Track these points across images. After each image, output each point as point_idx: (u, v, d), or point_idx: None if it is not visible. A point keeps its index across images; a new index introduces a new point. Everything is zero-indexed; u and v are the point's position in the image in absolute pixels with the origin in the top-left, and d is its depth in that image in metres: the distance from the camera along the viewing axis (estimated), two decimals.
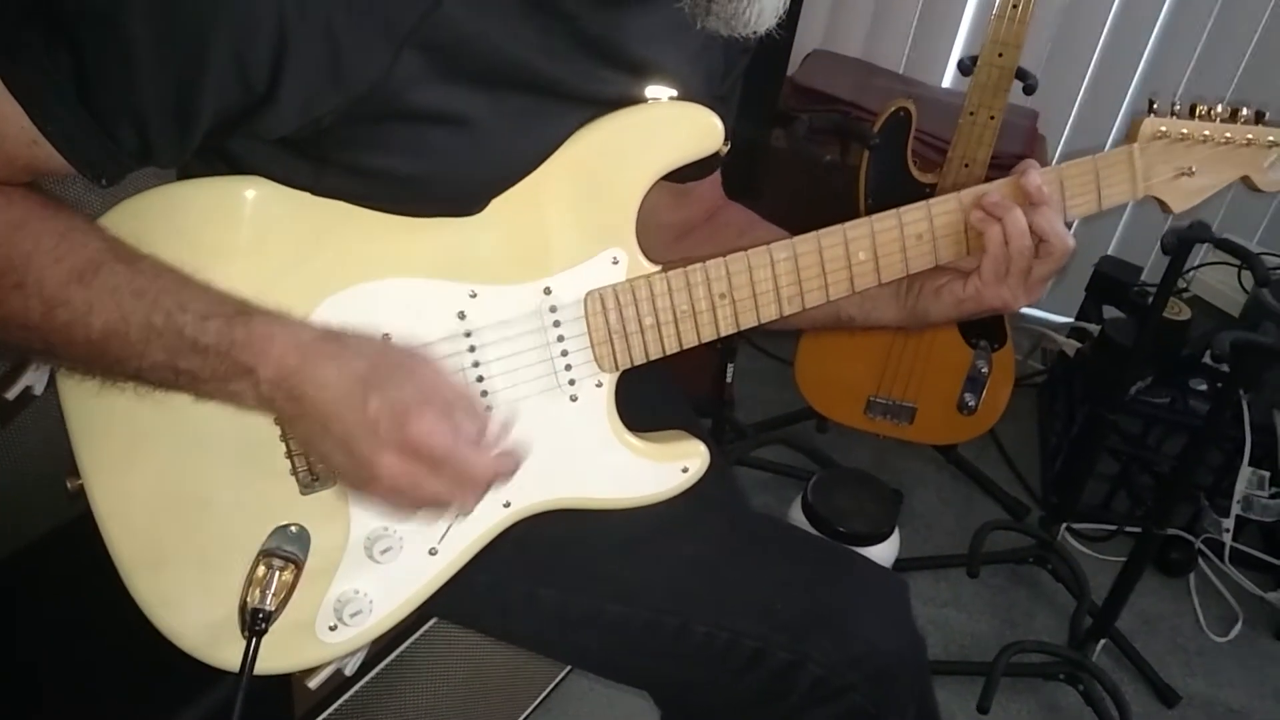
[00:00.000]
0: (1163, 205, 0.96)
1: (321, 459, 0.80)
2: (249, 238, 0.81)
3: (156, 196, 0.80)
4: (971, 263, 0.94)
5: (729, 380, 2.04)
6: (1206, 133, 0.93)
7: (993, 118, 1.74)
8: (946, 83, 2.62)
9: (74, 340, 0.73)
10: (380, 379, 0.75)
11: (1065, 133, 2.59)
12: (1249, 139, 0.93)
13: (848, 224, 0.91)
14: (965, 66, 1.79)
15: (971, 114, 1.75)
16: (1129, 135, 0.94)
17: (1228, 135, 0.93)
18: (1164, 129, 0.93)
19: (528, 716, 1.57)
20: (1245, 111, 0.94)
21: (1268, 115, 0.94)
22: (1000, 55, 1.69)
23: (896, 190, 1.82)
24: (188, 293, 0.75)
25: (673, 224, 1.09)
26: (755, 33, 0.82)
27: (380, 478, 0.74)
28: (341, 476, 0.81)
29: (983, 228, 0.91)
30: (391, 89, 0.74)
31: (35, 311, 0.71)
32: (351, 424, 0.74)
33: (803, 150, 2.15)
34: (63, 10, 0.68)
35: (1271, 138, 0.94)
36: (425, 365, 0.78)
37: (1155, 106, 0.93)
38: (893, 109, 1.80)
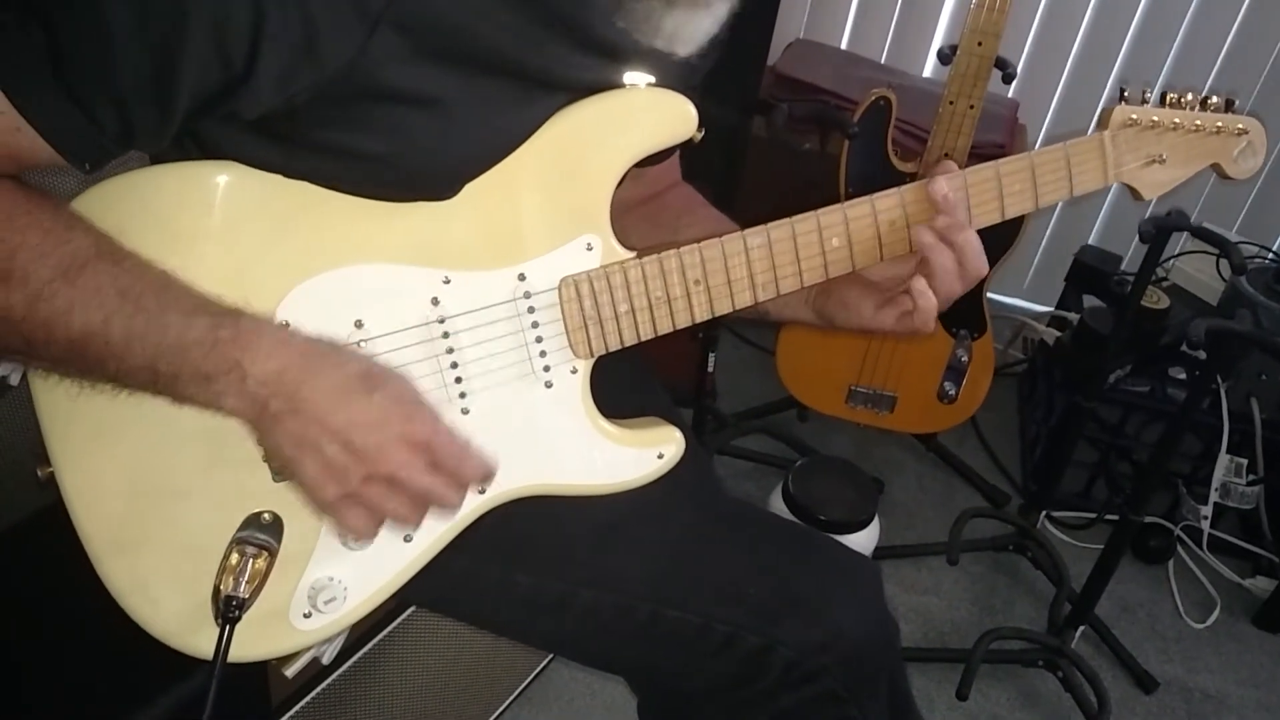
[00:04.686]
0: (1134, 193, 0.97)
1: (297, 467, 0.77)
2: (221, 222, 0.81)
3: (128, 181, 0.80)
4: (886, 273, 0.93)
5: (710, 370, 2.05)
6: (1177, 120, 0.93)
7: (972, 107, 1.74)
8: (927, 72, 2.63)
9: (54, 339, 0.72)
10: (380, 379, 0.77)
11: (1046, 122, 2.60)
12: (1219, 127, 0.94)
13: (821, 210, 0.91)
14: (945, 56, 1.79)
15: (951, 103, 1.75)
16: (1100, 123, 0.95)
17: (1197, 123, 0.94)
18: (1135, 117, 0.93)
19: (509, 705, 1.57)
20: (1215, 99, 0.94)
21: (1237, 103, 0.94)
22: (979, 44, 1.69)
23: (877, 179, 1.81)
24: (172, 293, 0.75)
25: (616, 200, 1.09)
26: (672, 51, 0.83)
27: (380, 468, 0.76)
28: (317, 485, 0.77)
29: (917, 278, 0.90)
30: (366, 68, 0.74)
31: (17, 307, 0.71)
32: (356, 414, 0.75)
33: (783, 139, 2.15)
34: None
35: (1240, 125, 0.94)
36: (410, 379, 0.81)
37: (1126, 94, 0.94)
38: (873, 98, 1.81)
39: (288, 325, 0.82)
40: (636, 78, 0.88)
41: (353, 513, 0.78)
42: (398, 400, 0.77)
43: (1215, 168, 0.97)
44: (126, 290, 0.73)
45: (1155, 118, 0.93)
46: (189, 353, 0.73)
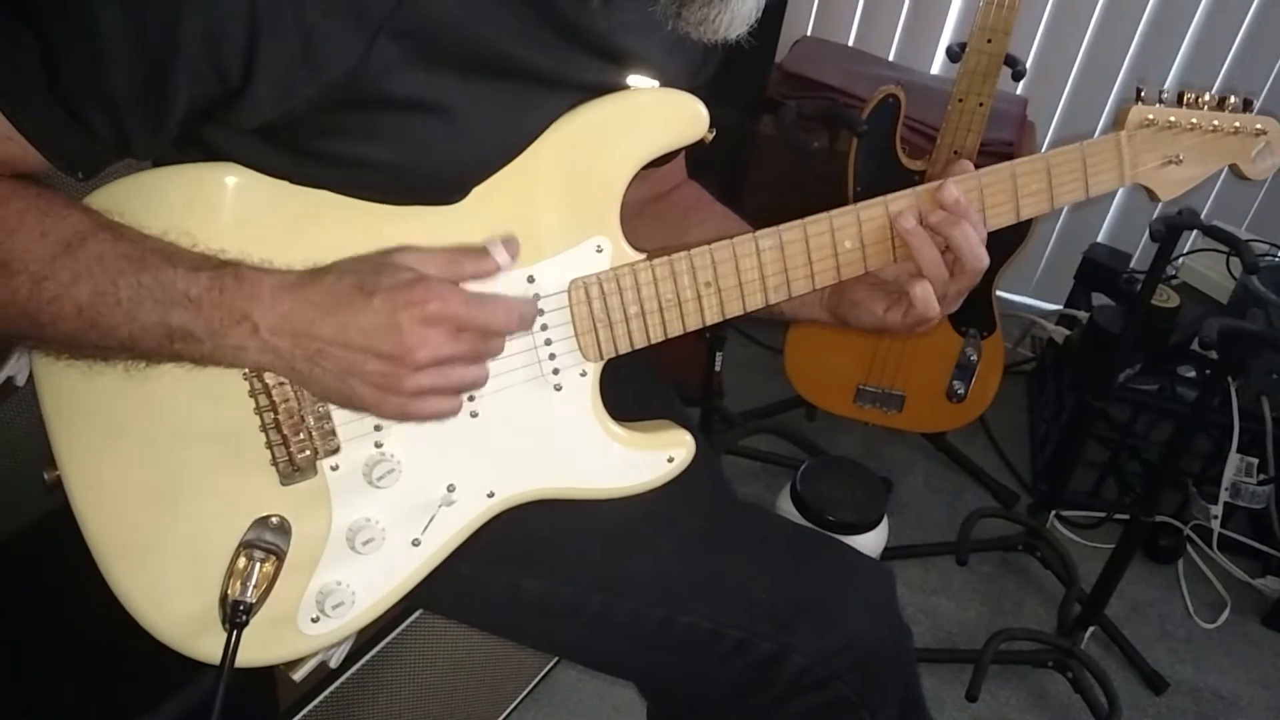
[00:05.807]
0: (1150, 193, 0.96)
1: (351, 396, 0.78)
2: (227, 226, 0.80)
3: (134, 183, 0.79)
4: (896, 271, 0.92)
5: (718, 369, 2.04)
6: (1194, 120, 0.92)
7: (981, 105, 1.73)
8: (936, 70, 2.61)
9: (63, 314, 0.72)
10: (372, 279, 0.76)
11: (1055, 120, 2.59)
12: (1236, 127, 0.93)
13: (834, 211, 0.90)
14: (954, 53, 1.78)
15: (960, 101, 1.74)
16: (1116, 123, 0.93)
17: (1215, 123, 0.92)
18: (1151, 116, 0.92)
19: (515, 708, 1.57)
20: (1233, 99, 0.93)
21: (1255, 103, 0.93)
22: (989, 42, 1.68)
23: (885, 178, 1.81)
24: (174, 250, 0.75)
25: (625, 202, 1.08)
26: (726, 39, 0.82)
27: (418, 359, 0.76)
28: (377, 402, 0.78)
29: (904, 277, 0.91)
30: (368, 77, 0.73)
31: (23, 289, 0.71)
32: (368, 326, 0.75)
33: (790, 137, 2.14)
34: None
35: (1259, 126, 0.93)
36: (402, 251, 0.80)
37: (1143, 94, 0.93)
38: (881, 96, 1.79)
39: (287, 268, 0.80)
40: (643, 80, 0.87)
41: (427, 405, 0.80)
42: (395, 290, 0.75)
43: (1233, 168, 0.95)
44: (129, 253, 0.73)
45: (1172, 118, 0.92)
46: (199, 307, 0.73)
